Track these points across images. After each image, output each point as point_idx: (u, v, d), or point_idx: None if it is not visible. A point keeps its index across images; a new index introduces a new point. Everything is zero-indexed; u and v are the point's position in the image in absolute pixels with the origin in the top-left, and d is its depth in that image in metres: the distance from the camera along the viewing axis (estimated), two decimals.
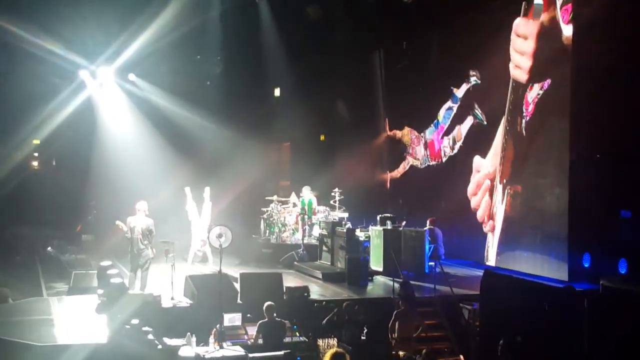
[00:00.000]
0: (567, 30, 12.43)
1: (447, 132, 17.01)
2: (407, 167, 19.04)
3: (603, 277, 10.45)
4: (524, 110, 13.69)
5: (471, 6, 15.22)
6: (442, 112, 17.25)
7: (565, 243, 12.44)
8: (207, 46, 20.14)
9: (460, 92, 16.44)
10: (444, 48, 17.10)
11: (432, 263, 13.79)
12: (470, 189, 15.50)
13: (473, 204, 15.35)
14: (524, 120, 13.68)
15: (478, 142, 15.59)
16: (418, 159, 18.49)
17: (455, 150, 16.72)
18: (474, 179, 15.41)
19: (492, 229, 14.65)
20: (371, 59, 20.31)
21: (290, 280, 13.29)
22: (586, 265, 12.16)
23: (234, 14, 18.39)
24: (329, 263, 15.07)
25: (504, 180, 14.31)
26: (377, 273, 14.08)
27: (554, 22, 12.77)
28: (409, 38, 18.15)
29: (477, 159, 15.34)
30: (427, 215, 15.15)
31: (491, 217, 14.73)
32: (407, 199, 17.98)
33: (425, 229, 14.18)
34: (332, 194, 17.06)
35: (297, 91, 21.29)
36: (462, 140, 16.44)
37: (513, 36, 13.78)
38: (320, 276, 14.06)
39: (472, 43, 15.58)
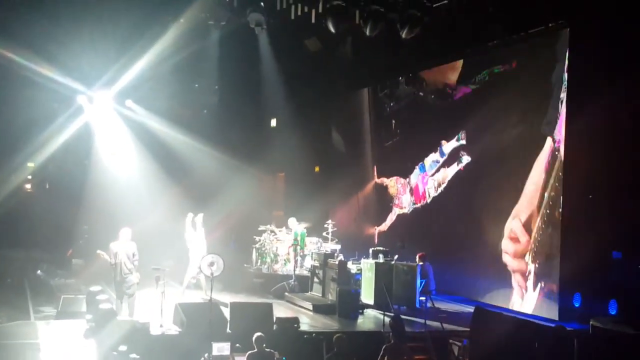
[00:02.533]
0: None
1: (432, 175, 17.37)
2: (394, 219, 19.16)
3: (593, 317, 10.55)
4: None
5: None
6: (428, 161, 17.52)
7: (557, 283, 12.53)
8: (204, 74, 20.17)
9: (447, 148, 16.70)
10: (437, 105, 17.35)
11: (423, 298, 13.79)
12: (507, 229, 14.75)
13: (504, 245, 14.71)
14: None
15: (462, 187, 15.92)
16: (404, 207, 18.67)
17: (440, 191, 16.95)
18: (512, 222, 14.61)
19: (522, 296, 14.00)
20: (361, 92, 20.59)
21: (281, 311, 13.27)
22: (576, 305, 12.22)
23: (232, 43, 18.47)
24: (320, 295, 15.06)
25: (536, 264, 13.63)
26: (368, 306, 14.08)
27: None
28: (401, 76, 18.48)
29: (515, 225, 14.36)
30: (419, 251, 15.11)
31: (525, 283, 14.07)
32: (399, 234, 18.01)
33: (417, 264, 14.21)
34: (325, 225, 17.09)
35: (293, 122, 21.37)
36: (445, 183, 16.70)
37: None
38: (311, 307, 14.04)
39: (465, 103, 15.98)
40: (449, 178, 16.63)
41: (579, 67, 12.49)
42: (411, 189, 18.23)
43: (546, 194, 13.17)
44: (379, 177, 20.07)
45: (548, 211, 13.05)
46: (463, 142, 16.14)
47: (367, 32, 14.08)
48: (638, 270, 11.11)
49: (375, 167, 20.33)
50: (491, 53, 15.23)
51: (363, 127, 20.84)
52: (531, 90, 13.85)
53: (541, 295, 12.93)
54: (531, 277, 13.43)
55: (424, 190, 17.59)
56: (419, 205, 17.92)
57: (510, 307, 13.64)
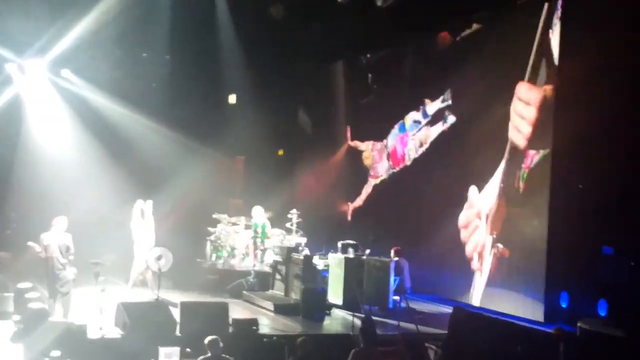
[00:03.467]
0: None
1: (413, 135, 17.62)
2: (370, 190, 19.40)
3: (581, 319, 10.82)
4: (522, 165, 13.96)
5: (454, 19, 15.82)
6: (409, 120, 17.75)
7: (543, 281, 12.82)
8: (154, 42, 20.01)
9: (431, 109, 16.93)
10: (419, 59, 17.60)
11: (397, 297, 13.99)
12: (461, 220, 15.76)
13: (463, 236, 15.65)
14: (520, 176, 13.97)
15: (447, 148, 16.20)
16: (381, 176, 18.96)
17: (420, 153, 17.24)
18: (466, 212, 15.64)
19: (480, 270, 14.96)
20: (336, 66, 20.66)
21: (238, 312, 13.33)
22: (563, 306, 12.50)
23: (186, 7, 18.34)
24: (282, 293, 15.18)
25: (494, 234, 14.57)
26: (336, 306, 14.22)
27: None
28: (379, 46, 18.58)
29: (472, 191, 15.46)
30: (393, 244, 15.30)
31: (481, 257, 14.99)
32: (371, 226, 18.26)
33: (390, 259, 14.38)
34: (289, 216, 17.10)
35: (255, 99, 21.32)
36: (428, 144, 16.95)
37: (515, 98, 14.15)
38: (272, 308, 14.15)
39: (451, 58, 16.18)
40: (431, 138, 16.84)
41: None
42: (388, 154, 18.50)
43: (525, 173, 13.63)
44: (352, 140, 20.25)
45: (533, 200, 13.36)
46: (449, 102, 16.35)
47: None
48: (631, 267, 11.34)
49: (349, 128, 20.48)
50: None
51: (335, 103, 20.94)
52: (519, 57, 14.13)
53: (526, 294, 13.23)
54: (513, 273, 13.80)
55: (403, 152, 17.86)
56: (397, 169, 18.24)
57: (492, 308, 13.88)
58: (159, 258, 13.73)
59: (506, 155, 14.45)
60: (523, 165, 13.84)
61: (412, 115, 17.63)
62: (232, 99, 22.99)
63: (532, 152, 13.64)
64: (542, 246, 12.95)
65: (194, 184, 20.52)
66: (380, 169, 18.96)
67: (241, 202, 21.83)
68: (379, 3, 15.46)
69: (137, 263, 14.93)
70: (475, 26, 15.54)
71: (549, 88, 13.28)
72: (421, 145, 17.25)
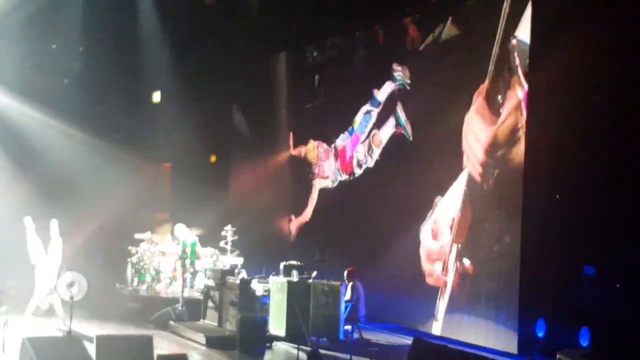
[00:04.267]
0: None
1: (363, 141, 17.67)
2: (316, 198, 19.26)
3: (560, 350, 10.74)
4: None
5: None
6: (358, 117, 17.81)
7: (516, 306, 12.76)
8: (65, 31, 19.85)
9: (382, 94, 16.93)
10: (366, 45, 17.75)
11: (348, 327, 13.86)
12: (426, 232, 15.70)
13: (430, 247, 15.61)
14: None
15: (402, 152, 16.21)
16: (327, 177, 18.89)
17: (372, 160, 17.22)
18: (431, 221, 15.60)
19: (444, 285, 14.97)
20: (277, 60, 20.48)
21: (164, 346, 13.17)
22: (540, 335, 12.48)
23: None
24: (216, 324, 15.04)
25: (460, 243, 14.65)
26: (278, 338, 14.05)
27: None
28: (322, 35, 18.67)
29: (438, 201, 15.46)
30: (344, 264, 15.23)
31: (445, 272, 15.02)
32: (318, 243, 17.98)
33: (341, 282, 14.24)
34: (223, 233, 16.83)
35: (183, 97, 21.20)
36: (380, 148, 16.98)
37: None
38: (204, 341, 13.96)
39: (401, 41, 16.25)
40: (383, 143, 16.93)
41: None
42: (336, 152, 18.53)
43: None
44: (295, 148, 20.17)
45: (504, 215, 13.35)
46: (403, 81, 16.36)
47: None
48: (616, 289, 11.37)
49: (291, 134, 20.38)
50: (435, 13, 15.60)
51: (275, 103, 20.76)
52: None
53: (497, 322, 13.17)
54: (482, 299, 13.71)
55: (351, 155, 17.95)
56: (345, 177, 18.21)
57: (458, 338, 13.83)
58: (70, 285, 13.45)
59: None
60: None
61: (362, 110, 17.69)
62: (157, 96, 22.91)
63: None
64: (514, 266, 12.92)
65: (113, 195, 20.44)
66: (327, 169, 18.97)
67: (167, 216, 21.60)
68: None
69: (37, 289, 14.74)
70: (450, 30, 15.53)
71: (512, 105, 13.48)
72: (371, 149, 17.14)
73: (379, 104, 17.12)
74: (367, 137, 17.48)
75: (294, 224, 20.29)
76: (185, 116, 21.03)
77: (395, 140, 16.67)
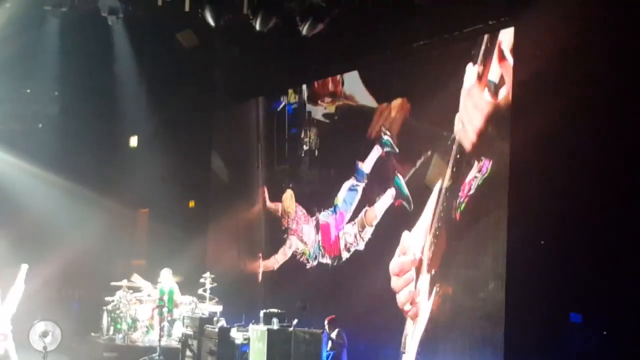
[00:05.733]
0: None
1: (351, 219, 16.78)
2: (288, 255, 18.66)
3: None
4: (459, 193, 14.05)
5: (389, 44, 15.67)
6: (341, 194, 17.03)
7: (501, 353, 12.60)
8: (39, 75, 19.74)
9: (367, 165, 16.38)
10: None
11: None
12: (393, 267, 15.44)
13: (394, 284, 15.38)
14: (459, 204, 14.05)
15: (401, 224, 15.49)
16: (305, 244, 18.11)
17: (364, 242, 16.41)
18: (399, 259, 15.39)
19: (415, 316, 14.80)
20: (252, 104, 20.45)
21: None
22: None
23: (77, 34, 18.07)
24: None
25: (433, 271, 14.51)
26: None
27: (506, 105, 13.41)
28: (303, 81, 18.43)
29: (405, 236, 15.28)
30: (326, 312, 15.06)
31: (414, 303, 14.88)
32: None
33: (322, 331, 14.04)
34: (202, 280, 16.86)
35: (161, 141, 21.03)
36: (373, 226, 16.18)
37: (465, 94, 14.16)
38: None
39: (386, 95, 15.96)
40: (377, 220, 16.12)
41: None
42: (317, 224, 17.71)
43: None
44: (271, 201, 19.67)
45: (490, 261, 13.26)
46: (390, 143, 15.82)
47: (258, 27, 14.02)
48: (604, 337, 11.21)
49: (265, 189, 19.95)
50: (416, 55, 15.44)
51: (251, 148, 20.61)
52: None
53: None
54: (467, 344, 13.54)
55: (337, 236, 17.01)
56: (328, 262, 17.37)
57: None
58: (44, 335, 13.25)
59: (450, 166, 14.33)
60: (460, 197, 13.94)
61: (345, 185, 16.92)
62: (134, 141, 22.76)
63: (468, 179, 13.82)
64: (499, 313, 12.75)
65: (88, 242, 20.31)
66: (307, 234, 18.01)
67: (143, 263, 21.42)
68: (303, 32, 15.41)
69: None
70: None
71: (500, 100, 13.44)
72: (362, 230, 16.39)
73: (365, 175, 16.35)
74: (356, 216, 16.59)
75: (260, 267, 19.79)
76: (163, 161, 20.86)
77: (392, 212, 15.77)
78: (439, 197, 14.49)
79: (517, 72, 12.97)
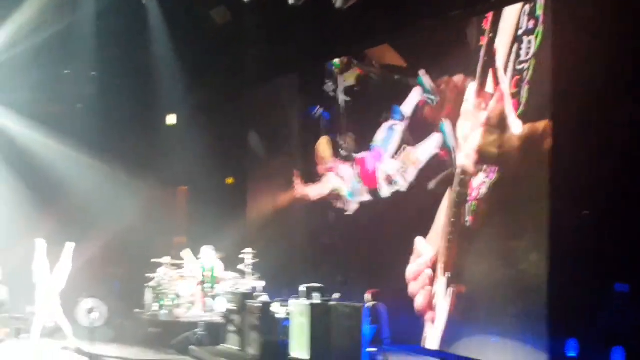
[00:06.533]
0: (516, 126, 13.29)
1: (391, 155, 16.73)
2: (325, 193, 18.68)
3: None
4: (468, 199, 14.29)
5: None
6: (379, 134, 17.02)
7: (545, 325, 12.50)
8: (77, 57, 19.93)
9: (408, 106, 16.25)
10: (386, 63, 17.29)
11: (373, 349, 13.69)
12: (409, 273, 15.71)
13: (411, 289, 15.65)
14: (467, 210, 14.26)
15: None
16: (343, 178, 18.14)
17: (406, 182, 16.33)
18: (415, 264, 15.66)
19: (433, 320, 15.05)
20: (288, 80, 20.41)
21: None
22: (571, 355, 12.16)
23: (113, 15, 18.18)
24: (237, 348, 14.98)
25: (447, 274, 14.73)
26: None
27: (502, 115, 13.59)
28: (340, 53, 18.32)
29: (419, 241, 15.57)
30: (367, 285, 15.07)
31: (432, 308, 15.10)
32: (340, 264, 17.79)
33: (363, 304, 14.05)
34: (243, 255, 16.94)
35: (198, 118, 21.26)
36: (417, 169, 15.98)
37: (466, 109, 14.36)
38: None
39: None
40: (421, 164, 15.91)
41: None
42: (354, 160, 17.73)
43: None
44: (304, 183, 19.64)
45: (528, 232, 13.16)
46: (429, 85, 15.64)
47: (291, 0, 13.94)
48: None
49: (296, 173, 19.94)
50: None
51: (289, 122, 20.61)
52: None
53: (526, 342, 12.94)
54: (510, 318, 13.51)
55: (375, 167, 16.97)
56: (367, 198, 17.38)
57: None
58: (90, 311, 13.44)
59: (455, 184, 14.57)
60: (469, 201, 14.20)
61: (385, 125, 16.86)
62: (171, 119, 22.93)
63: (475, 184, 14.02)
64: (543, 284, 12.63)
65: (129, 220, 20.44)
66: (344, 171, 18.07)
67: (185, 240, 21.57)
68: (337, 4, 15.34)
69: (39, 310, 14.78)
70: None
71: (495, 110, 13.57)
72: (404, 167, 16.31)
73: (403, 116, 16.32)
74: (395, 153, 16.51)
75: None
76: (200, 138, 21.06)
77: (436, 163, 15.55)
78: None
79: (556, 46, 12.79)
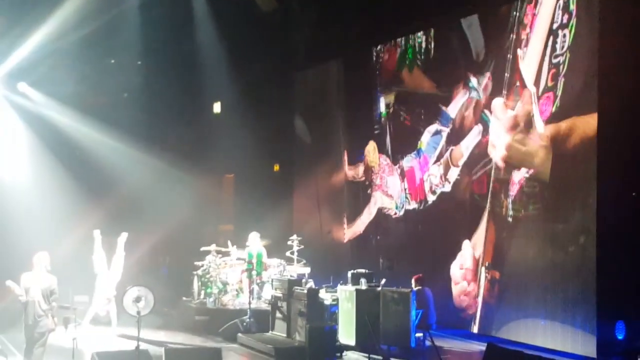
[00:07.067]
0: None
1: (436, 161, 16.84)
2: (373, 215, 18.77)
3: None
4: (509, 191, 14.46)
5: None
6: (425, 138, 17.07)
7: (593, 308, 12.49)
8: (123, 47, 20.07)
9: (453, 109, 16.34)
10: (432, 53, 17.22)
11: (420, 334, 13.69)
12: (455, 273, 15.91)
13: (456, 291, 15.88)
14: (509, 202, 14.44)
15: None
16: (391, 196, 18.23)
17: (450, 183, 16.42)
18: (458, 262, 15.87)
19: (480, 305, 15.20)
20: (332, 66, 20.44)
21: (233, 358, 13.32)
22: (620, 337, 12.18)
23: (158, 5, 18.30)
24: (285, 335, 14.99)
25: (486, 263, 14.97)
26: (348, 348, 13.94)
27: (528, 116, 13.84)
28: (386, 40, 18.29)
29: (466, 244, 15.72)
30: (413, 270, 15.07)
31: (479, 293, 15.26)
32: (385, 249, 17.81)
33: (411, 289, 14.00)
34: (289, 242, 16.92)
35: (244, 107, 21.26)
36: (460, 167, 16.13)
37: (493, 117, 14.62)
38: (273, 352, 13.93)
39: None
40: (464, 158, 16.07)
41: None
42: (402, 172, 17.79)
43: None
44: (350, 166, 19.72)
45: (576, 212, 13.14)
46: (476, 87, 15.67)
47: None
48: None
49: (346, 152, 20.03)
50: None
51: (333, 109, 20.63)
52: None
53: (575, 325, 12.94)
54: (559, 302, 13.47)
55: (422, 179, 17.12)
56: (414, 207, 17.46)
57: (533, 344, 13.57)
58: (137, 300, 13.54)
59: (491, 177, 14.92)
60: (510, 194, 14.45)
61: (430, 129, 16.92)
62: (217, 107, 22.98)
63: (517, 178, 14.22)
64: (591, 266, 12.61)
65: (176, 209, 20.54)
66: (392, 186, 18.13)
67: (231, 228, 21.65)
68: None
69: (96, 299, 15.20)
70: None
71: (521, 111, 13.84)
72: (448, 170, 16.41)
73: (449, 119, 16.32)
74: (441, 157, 16.58)
75: (345, 231, 19.87)
76: (246, 126, 21.09)
77: (481, 151, 15.61)
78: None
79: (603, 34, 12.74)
